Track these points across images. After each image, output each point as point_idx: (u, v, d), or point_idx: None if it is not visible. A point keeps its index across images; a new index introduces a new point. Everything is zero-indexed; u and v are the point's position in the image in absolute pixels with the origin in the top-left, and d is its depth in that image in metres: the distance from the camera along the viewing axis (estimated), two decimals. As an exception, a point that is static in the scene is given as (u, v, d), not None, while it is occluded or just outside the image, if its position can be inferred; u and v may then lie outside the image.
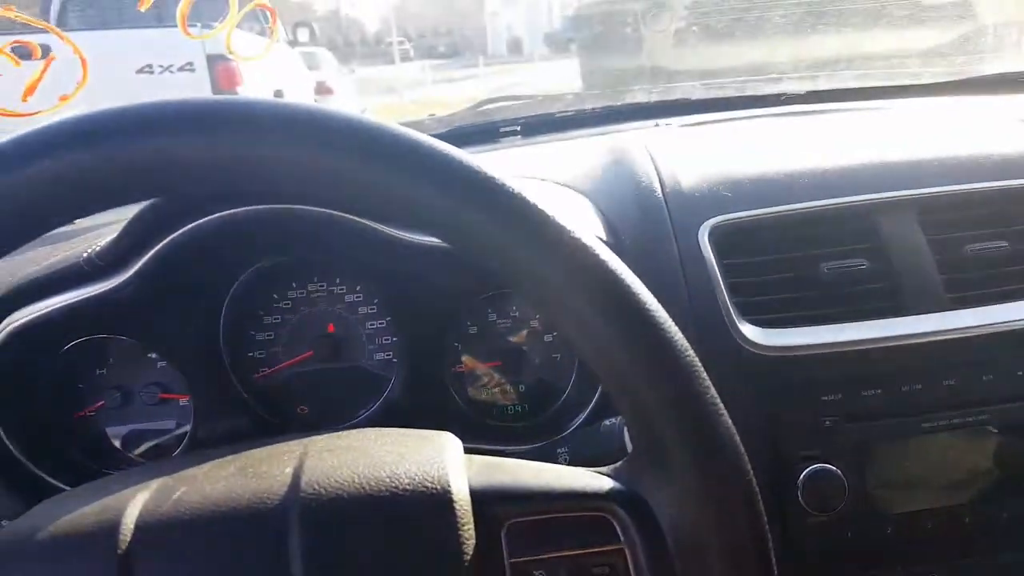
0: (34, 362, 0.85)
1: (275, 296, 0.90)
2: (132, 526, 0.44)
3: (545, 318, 0.46)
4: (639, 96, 1.47)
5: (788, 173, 0.84)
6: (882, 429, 0.76)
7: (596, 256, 0.43)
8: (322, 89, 8.85)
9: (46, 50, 0.86)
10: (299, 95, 7.25)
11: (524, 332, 0.91)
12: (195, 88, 5.32)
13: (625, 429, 0.66)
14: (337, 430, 0.54)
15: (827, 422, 0.75)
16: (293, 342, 0.90)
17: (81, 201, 0.42)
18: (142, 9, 0.88)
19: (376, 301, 0.90)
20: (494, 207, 0.42)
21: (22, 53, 0.86)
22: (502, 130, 1.32)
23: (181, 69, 5.34)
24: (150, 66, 5.14)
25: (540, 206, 0.43)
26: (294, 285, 0.90)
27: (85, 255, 0.79)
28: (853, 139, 1.00)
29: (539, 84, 13.93)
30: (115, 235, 0.78)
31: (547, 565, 0.45)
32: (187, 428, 0.88)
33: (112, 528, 0.43)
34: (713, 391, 0.45)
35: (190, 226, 0.76)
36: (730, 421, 0.45)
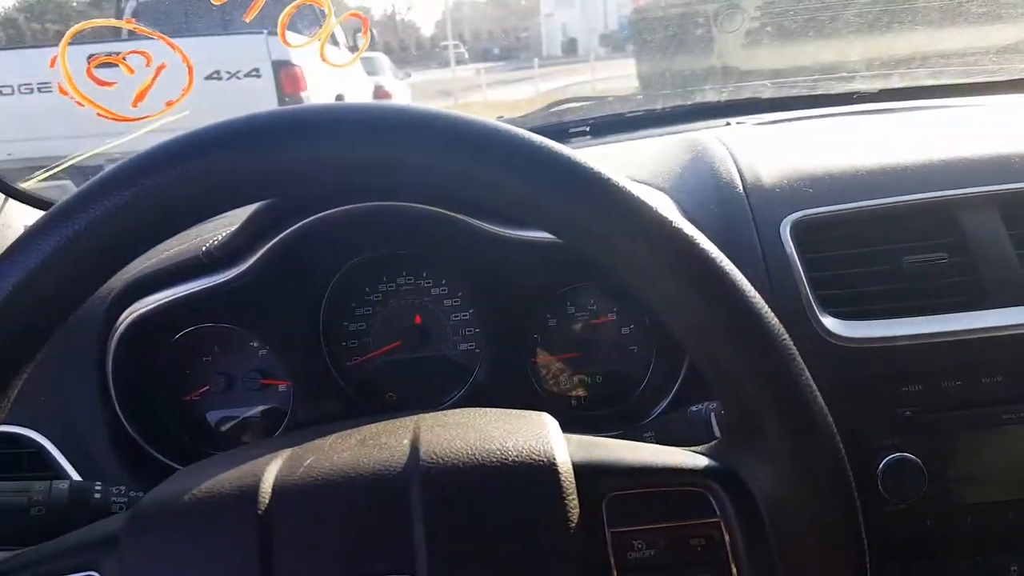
0: (151, 349, 0.91)
1: (367, 289, 0.95)
2: (270, 490, 0.48)
3: (645, 302, 0.49)
4: (709, 96, 1.48)
5: (868, 169, 0.86)
6: (962, 420, 0.77)
7: (696, 244, 0.46)
8: (380, 93, 9.01)
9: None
10: (359, 100, 7.38)
11: (602, 324, 0.94)
12: (262, 93, 5.48)
13: (712, 415, 0.69)
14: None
15: (907, 413, 0.77)
16: (383, 332, 0.95)
17: (231, 198, 0.47)
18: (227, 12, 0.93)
19: (460, 294, 0.95)
20: (604, 202, 0.46)
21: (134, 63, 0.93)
22: (572, 131, 1.35)
23: (247, 75, 5.50)
24: (218, 72, 5.32)
25: (647, 200, 0.46)
26: (384, 279, 0.95)
27: (204, 249, 0.85)
28: (929, 136, 1.01)
29: (596, 85, 13.89)
30: (233, 230, 0.84)
31: (646, 536, 0.48)
32: (286, 411, 0.94)
33: (252, 492, 0.48)
34: (807, 372, 0.47)
35: (302, 223, 0.81)
36: (822, 400, 0.48)
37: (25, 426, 0.85)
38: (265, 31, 5.37)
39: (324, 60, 1.07)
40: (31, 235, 0.44)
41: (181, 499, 0.49)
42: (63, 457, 0.84)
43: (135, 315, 0.86)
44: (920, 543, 0.79)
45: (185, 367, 0.95)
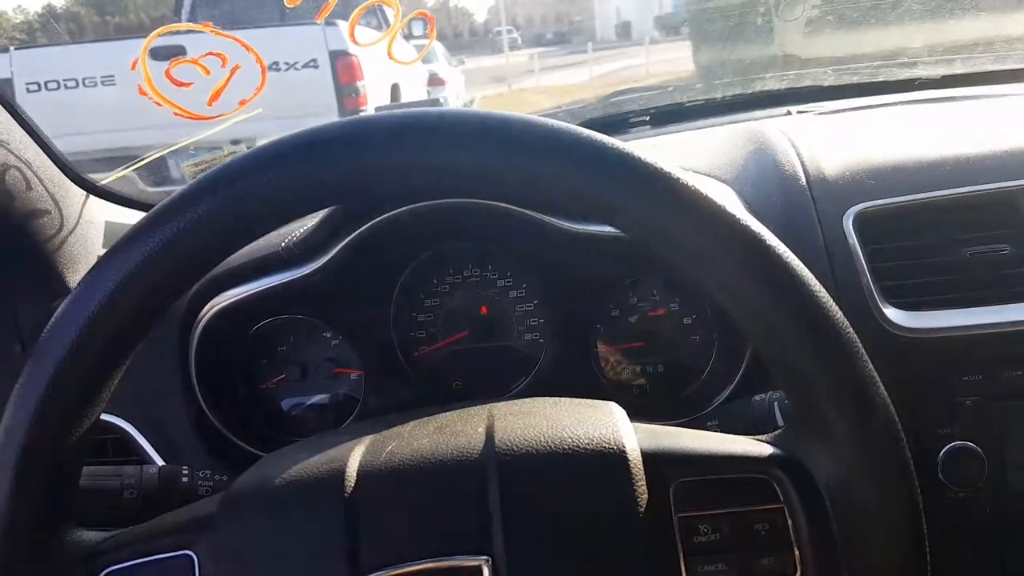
0: (231, 340, 0.96)
1: (435, 282, 0.99)
2: (355, 475, 0.52)
3: (709, 295, 0.51)
4: (769, 84, 1.47)
5: (930, 160, 0.86)
6: (1022, 409, 0.78)
7: (761, 238, 0.49)
8: (434, 80, 9.05)
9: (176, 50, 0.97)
10: (414, 87, 7.45)
11: (664, 315, 0.97)
12: (319, 83, 5.56)
13: (776, 404, 0.71)
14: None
15: (968, 402, 0.77)
16: (450, 323, 1.00)
17: (325, 199, 0.51)
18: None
19: (525, 286, 0.98)
20: (669, 198, 0.48)
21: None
22: (632, 120, 1.37)
23: (305, 66, 5.59)
24: (276, 63, 5.41)
25: (712, 195, 0.49)
26: (451, 272, 0.99)
27: (283, 245, 0.90)
28: (991, 125, 1.00)
29: (650, 68, 13.70)
30: (309, 228, 0.89)
31: (711, 520, 0.51)
32: (357, 399, 0.99)
33: (338, 477, 0.52)
34: (869, 363, 0.49)
35: (375, 221, 0.86)
36: (884, 390, 0.50)
37: (111, 413, 0.89)
38: (322, 21, 5.45)
39: (392, 58, 1.11)
40: (142, 229, 0.48)
41: (271, 483, 0.53)
42: (147, 443, 0.89)
43: (218, 307, 0.91)
44: (979, 531, 0.80)
45: (262, 357, 1.00)
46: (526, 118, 0.49)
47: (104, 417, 0.89)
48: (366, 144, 0.48)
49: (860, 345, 0.49)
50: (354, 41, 1.08)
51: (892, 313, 0.79)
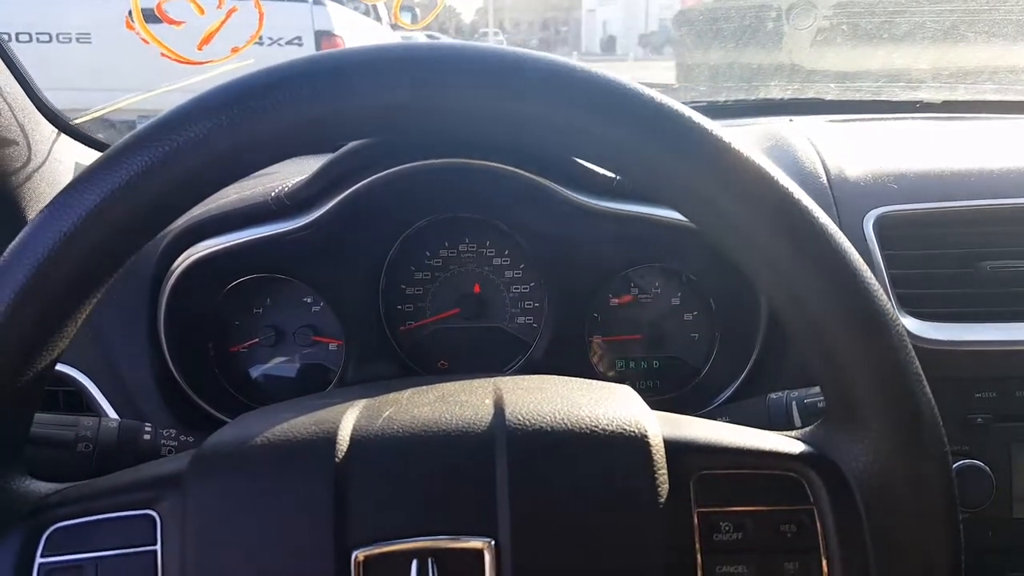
0: (204, 295, 0.90)
1: (428, 254, 0.94)
2: (348, 438, 0.47)
3: (756, 284, 0.48)
4: (773, 92, 1.46)
5: (953, 171, 0.84)
6: None
7: (816, 220, 0.45)
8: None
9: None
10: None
11: (665, 310, 0.93)
12: (303, 62, 5.49)
13: (794, 403, 0.68)
14: None
15: (979, 419, 0.75)
16: (441, 298, 0.94)
17: (344, 134, 0.46)
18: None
19: (523, 266, 0.93)
20: (723, 169, 0.44)
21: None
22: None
23: (289, 43, 5.50)
24: (260, 38, 5.33)
25: (768, 169, 0.45)
26: (447, 244, 0.94)
27: (274, 194, 0.84)
28: (1006, 143, 0.99)
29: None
30: (306, 178, 0.83)
31: (733, 517, 0.47)
32: (334, 371, 0.93)
33: (329, 439, 0.46)
34: (917, 361, 0.46)
35: (376, 176, 0.80)
36: (930, 390, 0.46)
37: (68, 364, 0.83)
38: (311, 0, 5.38)
39: (398, 21, 1.06)
40: (105, 163, 0.43)
41: (252, 442, 0.47)
42: (104, 398, 0.83)
43: (195, 257, 0.85)
44: (979, 555, 0.77)
45: (235, 317, 0.94)
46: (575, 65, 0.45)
47: (60, 368, 0.82)
48: (382, 75, 0.43)
49: (909, 343, 0.46)
50: (399, 21, 1.04)
51: (908, 322, 0.76)
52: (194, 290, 0.87)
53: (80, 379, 0.83)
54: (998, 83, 1.52)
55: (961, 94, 1.44)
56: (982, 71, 1.51)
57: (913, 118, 1.23)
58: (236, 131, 0.43)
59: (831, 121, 1.18)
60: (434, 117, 0.44)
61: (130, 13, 0.89)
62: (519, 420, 0.47)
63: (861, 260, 0.45)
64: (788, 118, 1.24)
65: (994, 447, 0.75)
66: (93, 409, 0.83)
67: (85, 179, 0.43)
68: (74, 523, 0.47)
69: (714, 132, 0.44)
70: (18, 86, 0.94)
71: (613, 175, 0.81)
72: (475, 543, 0.44)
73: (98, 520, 0.47)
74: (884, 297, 0.45)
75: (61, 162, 1.01)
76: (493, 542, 0.44)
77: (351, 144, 0.81)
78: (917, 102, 1.32)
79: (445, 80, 0.43)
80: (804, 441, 0.50)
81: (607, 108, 0.43)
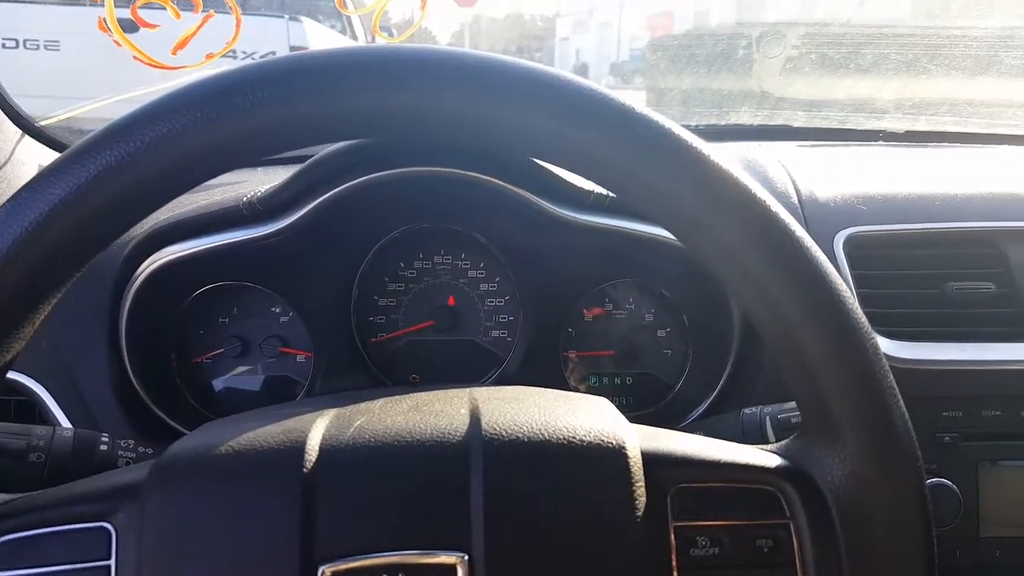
0: (169, 302, 0.88)
1: (402, 265, 0.93)
2: (317, 448, 0.45)
3: (735, 295, 0.48)
4: (743, 118, 1.48)
5: (920, 195, 0.86)
6: (1000, 450, 0.76)
7: (790, 230, 0.45)
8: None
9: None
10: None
11: (639, 325, 0.93)
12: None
13: (768, 419, 0.68)
14: None
15: (946, 438, 0.76)
16: (414, 311, 0.93)
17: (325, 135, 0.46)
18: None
19: (498, 279, 0.93)
20: (703, 180, 0.44)
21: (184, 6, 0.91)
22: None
23: (264, 57, 5.48)
24: (233, 51, 5.30)
25: (744, 183, 0.45)
26: (421, 256, 0.93)
27: (246, 199, 0.82)
28: (968, 170, 1.01)
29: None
30: (279, 184, 0.81)
31: (710, 532, 0.46)
32: (300, 383, 0.92)
33: (297, 450, 0.45)
34: (891, 375, 0.46)
35: (351, 183, 0.79)
36: (903, 405, 0.46)
37: (21, 372, 0.80)
38: (285, 16, 5.36)
39: (377, 34, 1.06)
40: (72, 158, 0.41)
41: (215, 451, 0.45)
42: (59, 408, 0.80)
43: (160, 262, 0.82)
44: (947, 573, 0.78)
45: (200, 326, 0.91)
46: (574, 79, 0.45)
47: (12, 376, 0.79)
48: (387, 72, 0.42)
49: (884, 357, 0.46)
50: (377, 34, 1.04)
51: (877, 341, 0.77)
52: (158, 297, 0.85)
53: (33, 387, 0.80)
54: (957, 115, 1.57)
55: (923, 124, 1.49)
56: (942, 103, 1.56)
57: (877, 146, 1.26)
58: (208, 129, 0.42)
59: (802, 146, 1.20)
60: (427, 119, 0.44)
61: (104, 18, 0.88)
62: (495, 430, 0.46)
63: (838, 276, 0.46)
64: (757, 144, 1.27)
65: (961, 466, 0.76)
66: (47, 419, 0.80)
67: (50, 174, 0.41)
68: (23, 536, 0.44)
69: (697, 147, 0.44)
70: (-19, 86, 0.92)
71: (590, 188, 0.82)
72: (448, 558, 0.42)
73: (48, 533, 0.44)
74: (860, 312, 0.45)
75: (24, 163, 0.98)
76: (467, 557, 0.42)
77: (326, 150, 0.80)
78: (881, 131, 1.35)
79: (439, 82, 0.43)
80: (780, 455, 0.49)
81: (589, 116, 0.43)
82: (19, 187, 0.42)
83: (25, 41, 4.89)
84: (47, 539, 0.44)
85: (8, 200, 0.41)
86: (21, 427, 0.66)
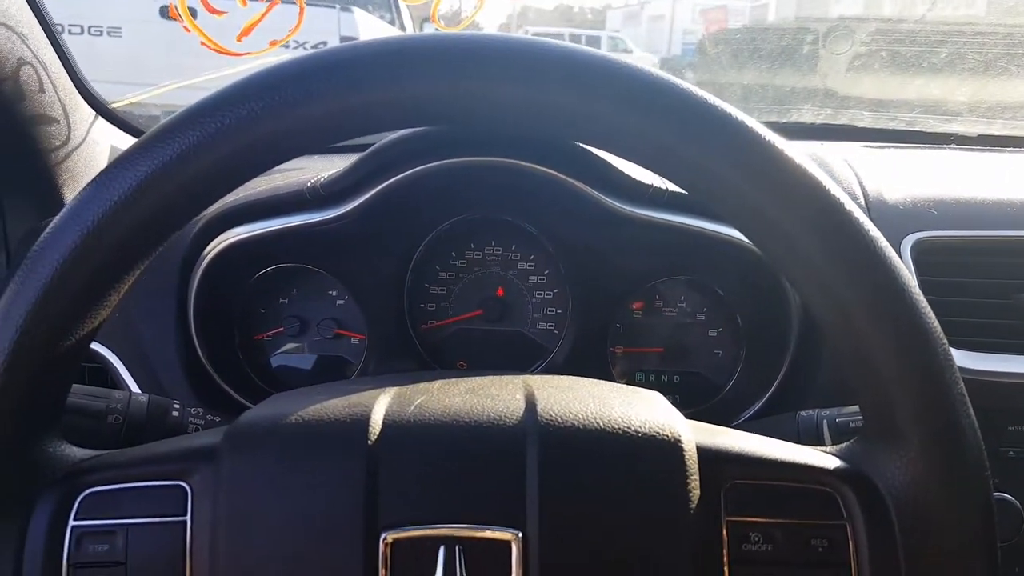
0: (234, 281, 0.90)
1: (453, 253, 0.94)
2: (380, 423, 0.47)
3: (801, 295, 0.47)
4: (805, 116, 1.45)
5: (993, 201, 0.83)
6: None
7: (864, 231, 0.44)
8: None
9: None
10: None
11: (689, 323, 0.92)
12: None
13: (825, 422, 0.66)
14: None
15: (1010, 452, 0.74)
16: (464, 299, 0.94)
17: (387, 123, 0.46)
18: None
19: (547, 272, 0.93)
20: (774, 179, 0.44)
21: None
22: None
23: (315, 47, 5.54)
24: (287, 41, 5.36)
25: (817, 177, 0.44)
26: (472, 245, 0.94)
27: (310, 184, 0.84)
28: None
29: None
30: (343, 169, 0.83)
31: (763, 529, 0.46)
32: (354, 364, 0.93)
33: (362, 423, 0.47)
34: (962, 386, 0.45)
35: (412, 170, 0.80)
36: (972, 411, 0.45)
37: (97, 340, 0.82)
38: (337, 6, 5.42)
39: (436, 24, 1.06)
40: (159, 136, 0.44)
41: (286, 421, 0.48)
42: (130, 376, 0.84)
43: (227, 243, 0.85)
44: None
45: (262, 305, 0.94)
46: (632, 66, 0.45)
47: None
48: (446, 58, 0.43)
49: (955, 363, 0.45)
50: (436, 22, 1.05)
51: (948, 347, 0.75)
52: (224, 276, 0.88)
53: (107, 355, 0.84)
54: (1035, 119, 1.51)
55: (998, 128, 1.43)
56: (1021, 106, 1.50)
57: (947, 149, 1.22)
58: (289, 112, 0.43)
59: (867, 146, 1.17)
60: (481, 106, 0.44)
61: (175, 4, 0.91)
62: (551, 416, 0.47)
63: (911, 278, 0.45)
64: (819, 143, 1.24)
65: None
66: (118, 386, 0.84)
67: (138, 151, 0.44)
68: (107, 489, 0.47)
69: (772, 142, 0.44)
70: (61, 67, 0.95)
71: (650, 182, 0.81)
72: (503, 534, 0.44)
73: (130, 488, 0.47)
74: (932, 315, 0.45)
75: (98, 143, 1.02)
76: (521, 535, 0.44)
77: (387, 138, 0.81)
78: (952, 134, 1.31)
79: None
80: (840, 457, 0.49)
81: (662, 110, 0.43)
82: (94, 164, 0.44)
83: (90, 27, 5.03)
84: (128, 494, 0.47)
85: (99, 174, 0.44)
86: (101, 390, 0.70)
